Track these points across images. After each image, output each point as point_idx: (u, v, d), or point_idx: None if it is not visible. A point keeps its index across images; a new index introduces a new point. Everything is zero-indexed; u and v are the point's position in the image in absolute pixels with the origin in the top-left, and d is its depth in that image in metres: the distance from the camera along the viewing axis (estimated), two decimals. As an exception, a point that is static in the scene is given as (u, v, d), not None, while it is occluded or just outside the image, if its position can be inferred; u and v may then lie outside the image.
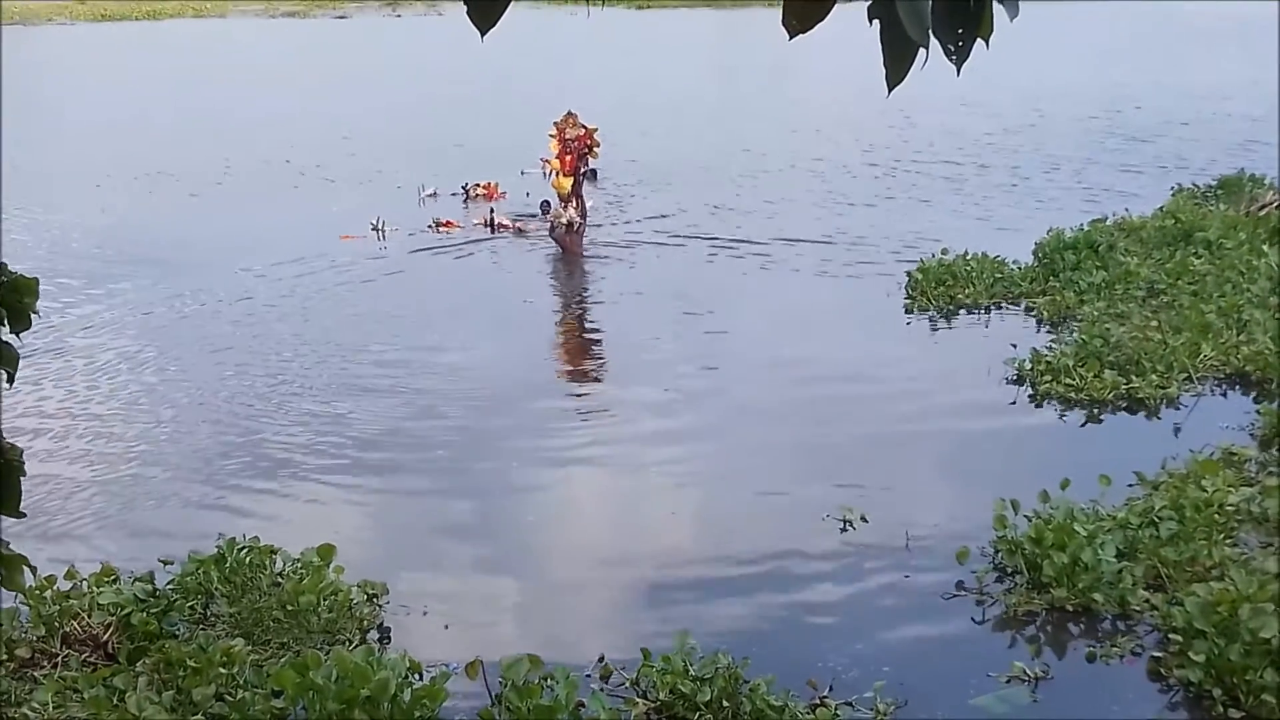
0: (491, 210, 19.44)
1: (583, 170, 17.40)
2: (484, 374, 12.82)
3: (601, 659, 7.23)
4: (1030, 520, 8.23)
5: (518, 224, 19.04)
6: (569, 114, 17.19)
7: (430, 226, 19.03)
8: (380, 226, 18.65)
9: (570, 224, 17.44)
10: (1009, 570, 8.18)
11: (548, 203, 18.75)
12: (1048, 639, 7.51)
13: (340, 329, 14.36)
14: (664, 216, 19.40)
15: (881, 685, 6.86)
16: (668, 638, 7.15)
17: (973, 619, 7.81)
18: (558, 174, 17.32)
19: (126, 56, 49.90)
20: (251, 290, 16.02)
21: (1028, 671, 7.10)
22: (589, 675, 7.07)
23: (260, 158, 25.99)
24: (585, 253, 17.56)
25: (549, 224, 17.96)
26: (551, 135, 17.23)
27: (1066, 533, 7.92)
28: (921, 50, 2.81)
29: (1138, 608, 7.63)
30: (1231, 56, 37.92)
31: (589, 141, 17.18)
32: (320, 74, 42.46)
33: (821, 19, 3.04)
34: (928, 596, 8.08)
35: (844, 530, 9.04)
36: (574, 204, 17.42)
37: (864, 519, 9.11)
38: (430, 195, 21.28)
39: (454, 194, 21.29)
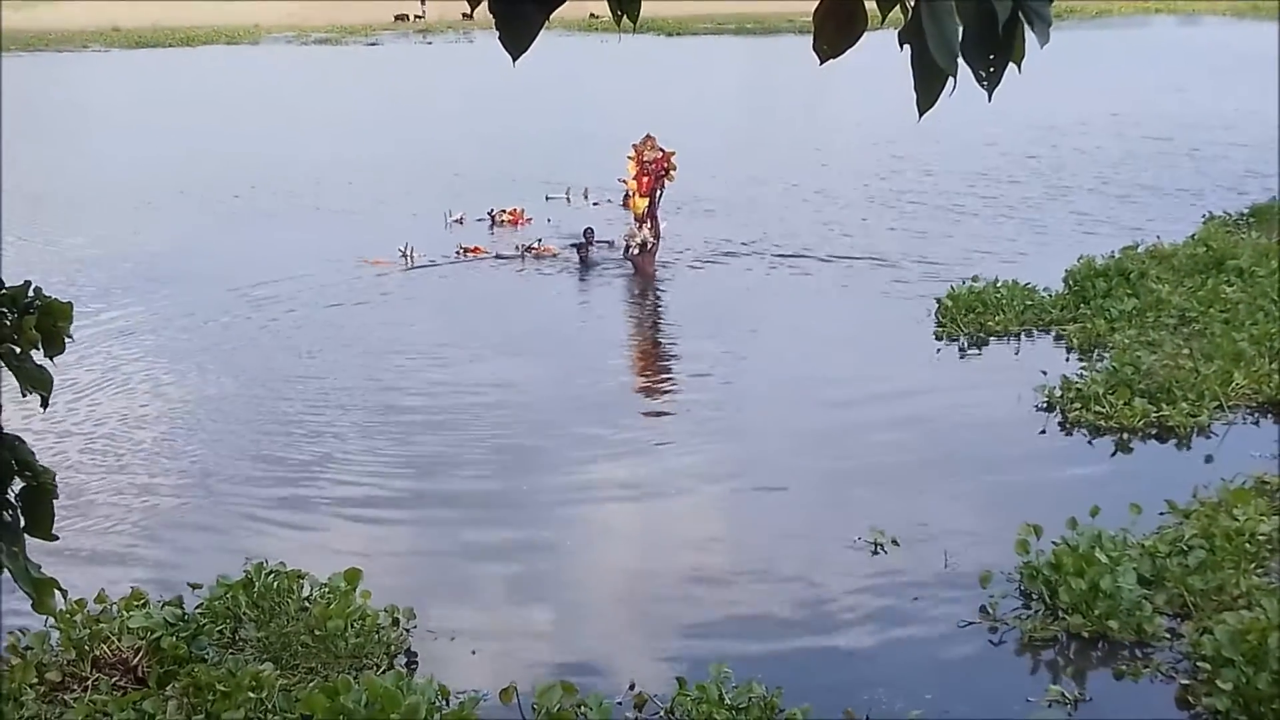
0: (540, 241, 19.40)
1: (659, 192, 17.61)
2: (516, 398, 12.87)
3: (632, 686, 7.20)
4: (1056, 546, 8.21)
5: (548, 248, 19.07)
6: (648, 136, 17.53)
7: (457, 252, 19.06)
8: (409, 252, 18.69)
9: (644, 244, 17.70)
10: (1033, 596, 8.17)
11: (591, 230, 18.84)
12: (1066, 665, 7.53)
13: (368, 352, 14.40)
14: (697, 246, 19.36)
15: (919, 715, 6.83)
16: (700, 664, 7.14)
17: (990, 642, 7.82)
18: (634, 195, 17.62)
19: (159, 82, 50.28)
20: (278, 313, 16.09)
21: (1066, 695, 7.10)
22: (620, 703, 7.04)
23: (285, 184, 25.99)
24: (655, 272, 17.78)
25: (623, 244, 18.16)
26: (630, 157, 17.51)
27: (1086, 559, 7.92)
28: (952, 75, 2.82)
29: (1155, 636, 7.62)
30: (1242, 84, 37.78)
31: (666, 164, 17.42)
32: (349, 101, 42.67)
33: (852, 44, 3.05)
34: (959, 621, 8.05)
35: (875, 554, 9.04)
36: (648, 225, 17.67)
37: (895, 542, 9.10)
38: (457, 220, 21.26)
39: (479, 220, 21.31)
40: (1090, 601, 7.73)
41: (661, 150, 17.38)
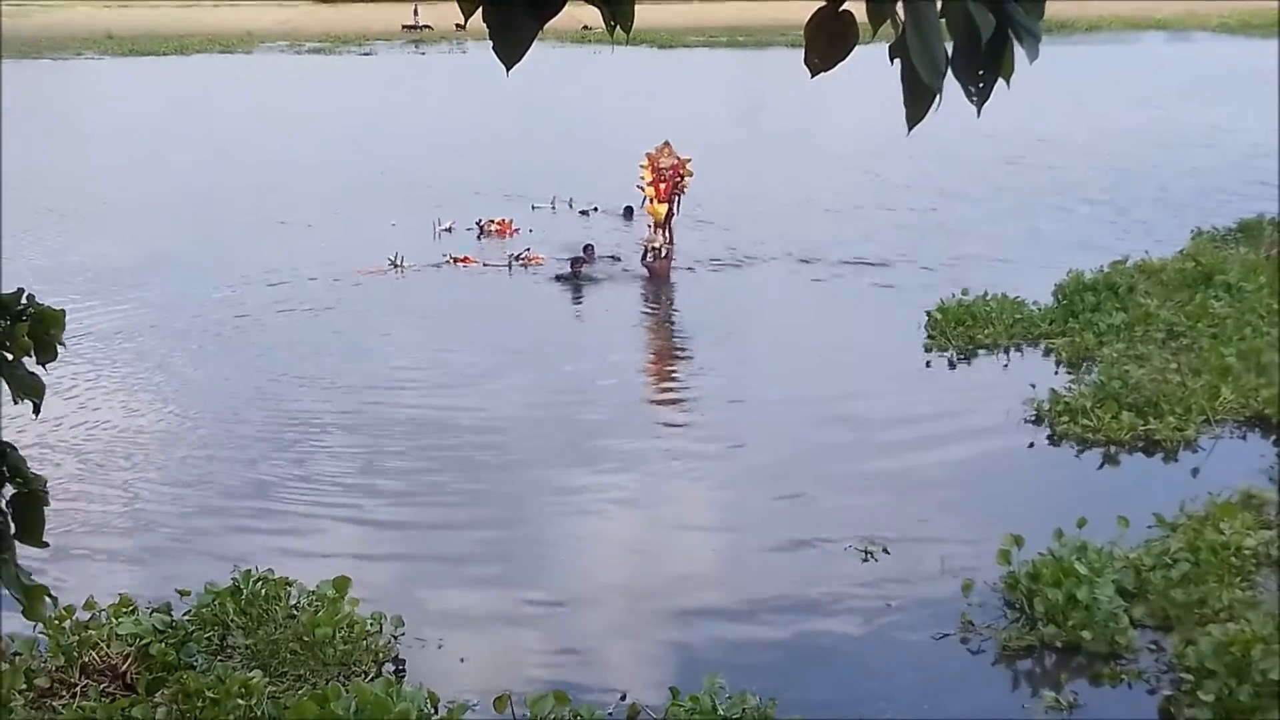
0: (528, 250, 19.38)
1: (677, 200, 17.82)
2: (509, 406, 12.90)
3: (624, 696, 7.21)
4: (1039, 556, 8.26)
5: (537, 258, 19.05)
6: (665, 144, 17.68)
7: (447, 261, 19.07)
8: (399, 261, 18.68)
9: (658, 249, 17.89)
10: (1013, 605, 8.23)
11: (591, 246, 18.85)
12: (1045, 675, 7.59)
13: (359, 360, 14.40)
14: (695, 255, 19.37)
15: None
16: (693, 674, 7.15)
17: (969, 651, 7.90)
18: (652, 201, 17.80)
19: (152, 90, 50.09)
20: (269, 321, 16.07)
21: (1061, 701, 7.17)
22: (612, 713, 7.05)
23: (273, 193, 25.78)
24: (671, 278, 18.00)
25: (641, 249, 18.37)
26: (642, 165, 17.66)
27: (1065, 570, 7.97)
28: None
29: (1129, 647, 7.68)
30: (1228, 101, 37.87)
31: (681, 171, 17.54)
32: (341, 110, 42.59)
33: (843, 58, 3.07)
34: (939, 632, 8.09)
35: (865, 561, 9.10)
36: (665, 231, 17.88)
37: (885, 550, 9.18)
38: (446, 229, 21.24)
39: (468, 229, 21.28)
40: (1066, 612, 7.80)
41: (678, 158, 17.51)
